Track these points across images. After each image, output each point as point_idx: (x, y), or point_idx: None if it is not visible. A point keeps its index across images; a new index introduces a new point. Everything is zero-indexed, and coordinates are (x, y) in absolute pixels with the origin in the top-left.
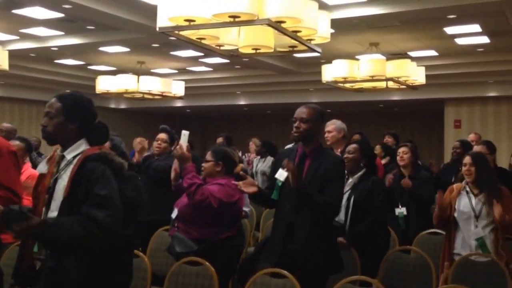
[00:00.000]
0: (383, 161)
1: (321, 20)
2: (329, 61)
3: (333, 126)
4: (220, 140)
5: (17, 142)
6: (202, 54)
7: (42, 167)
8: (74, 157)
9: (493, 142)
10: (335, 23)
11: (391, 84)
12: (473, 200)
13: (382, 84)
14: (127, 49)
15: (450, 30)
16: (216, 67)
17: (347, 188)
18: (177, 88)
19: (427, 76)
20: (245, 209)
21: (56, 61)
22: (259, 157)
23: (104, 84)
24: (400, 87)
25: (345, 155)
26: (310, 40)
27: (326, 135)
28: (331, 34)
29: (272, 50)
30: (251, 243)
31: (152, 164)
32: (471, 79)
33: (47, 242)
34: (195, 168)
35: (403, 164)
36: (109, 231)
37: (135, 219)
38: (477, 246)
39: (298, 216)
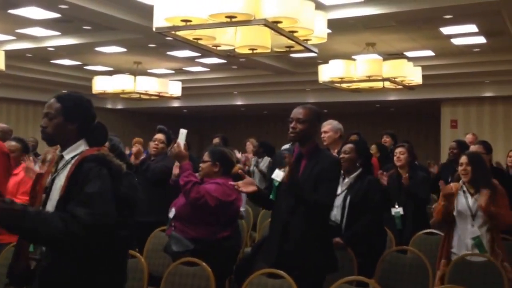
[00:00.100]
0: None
1: (318, 20)
2: (326, 61)
3: (329, 127)
4: (216, 140)
5: (13, 143)
6: (199, 54)
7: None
8: (73, 157)
9: (489, 142)
10: (331, 23)
11: (387, 84)
12: (470, 200)
13: (379, 84)
14: (123, 49)
15: (446, 30)
16: (213, 67)
17: (343, 188)
18: (173, 88)
19: (424, 76)
20: (241, 209)
21: (52, 61)
22: (256, 157)
23: (101, 85)
24: (397, 87)
25: (341, 155)
26: (307, 40)
27: (322, 135)
28: (328, 34)
29: (268, 50)
30: (248, 244)
31: (150, 166)
32: (468, 79)
33: (26, 233)
34: (192, 167)
35: (400, 165)
36: (89, 230)
37: (132, 219)
38: (473, 245)
39: (294, 216)
